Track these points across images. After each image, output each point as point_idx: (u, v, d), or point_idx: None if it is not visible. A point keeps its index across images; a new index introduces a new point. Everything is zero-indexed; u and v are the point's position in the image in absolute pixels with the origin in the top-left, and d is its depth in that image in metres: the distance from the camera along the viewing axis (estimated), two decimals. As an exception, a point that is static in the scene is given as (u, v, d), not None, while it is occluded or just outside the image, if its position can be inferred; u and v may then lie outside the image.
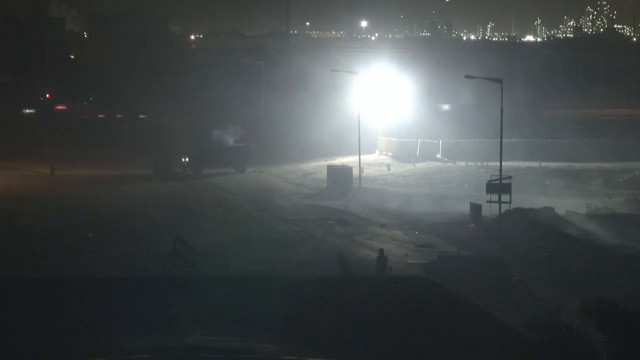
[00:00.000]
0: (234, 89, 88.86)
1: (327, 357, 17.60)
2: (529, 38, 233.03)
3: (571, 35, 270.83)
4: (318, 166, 72.75)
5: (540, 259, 38.61)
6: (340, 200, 57.28)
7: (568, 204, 52.75)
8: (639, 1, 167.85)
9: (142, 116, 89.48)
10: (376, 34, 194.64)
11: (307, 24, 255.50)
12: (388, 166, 74.73)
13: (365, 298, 21.28)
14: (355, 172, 64.06)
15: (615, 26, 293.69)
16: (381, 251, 37.42)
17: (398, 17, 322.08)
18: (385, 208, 54.75)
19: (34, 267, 36.68)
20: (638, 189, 61.41)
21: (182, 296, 21.12)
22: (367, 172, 69.06)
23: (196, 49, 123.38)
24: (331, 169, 64.55)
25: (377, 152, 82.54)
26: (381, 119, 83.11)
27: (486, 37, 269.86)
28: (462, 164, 74.80)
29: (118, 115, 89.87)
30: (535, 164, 71.59)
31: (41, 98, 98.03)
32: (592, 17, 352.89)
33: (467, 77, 54.07)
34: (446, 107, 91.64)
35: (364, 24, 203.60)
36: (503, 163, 48.39)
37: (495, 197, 46.33)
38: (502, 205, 45.93)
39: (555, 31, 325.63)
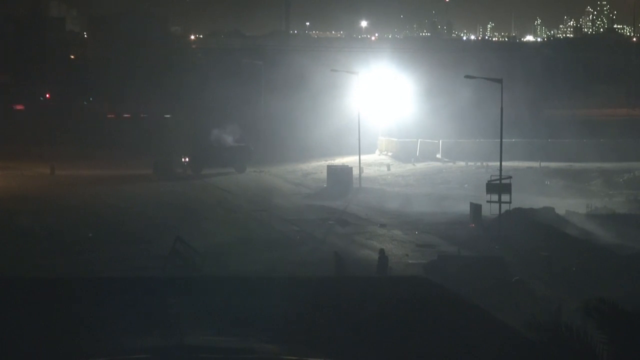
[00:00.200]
0: (234, 89, 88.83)
1: (327, 357, 17.59)
2: (529, 38, 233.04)
3: (571, 35, 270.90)
4: (318, 166, 72.76)
5: (540, 259, 38.61)
6: (340, 200, 57.28)
7: (568, 204, 52.75)
8: (639, 1, 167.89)
9: (143, 115, 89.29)
10: (376, 34, 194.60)
11: (307, 24, 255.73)
12: (388, 166, 74.73)
13: (365, 298, 21.29)
14: (355, 172, 64.07)
15: (615, 26, 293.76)
16: (382, 251, 37.40)
17: (398, 17, 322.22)
18: (385, 208, 54.75)
19: (34, 267, 36.67)
20: (638, 189, 61.42)
21: (182, 296, 21.12)
22: (367, 172, 69.06)
23: (196, 49, 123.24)
24: (331, 169, 64.56)
25: (377, 152, 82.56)
26: (381, 119, 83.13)
27: (486, 37, 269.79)
28: (462, 164, 74.82)
29: (142, 115, 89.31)
30: (535, 164, 71.60)
31: (41, 98, 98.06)
32: (592, 17, 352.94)
33: (467, 77, 54.07)
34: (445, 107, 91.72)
35: (364, 24, 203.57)
36: (503, 163, 48.39)
37: (495, 197, 46.32)
38: (502, 205, 45.92)
39: (555, 31, 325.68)
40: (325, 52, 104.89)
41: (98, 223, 47.49)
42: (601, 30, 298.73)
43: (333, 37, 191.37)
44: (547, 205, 50.25)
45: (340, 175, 62.69)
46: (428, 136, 79.85)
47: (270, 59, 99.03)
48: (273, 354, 17.66)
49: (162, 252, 37.93)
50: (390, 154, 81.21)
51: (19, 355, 17.70)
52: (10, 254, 39.73)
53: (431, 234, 46.09)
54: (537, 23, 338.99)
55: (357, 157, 65.92)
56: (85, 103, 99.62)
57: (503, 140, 48.35)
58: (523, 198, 50.75)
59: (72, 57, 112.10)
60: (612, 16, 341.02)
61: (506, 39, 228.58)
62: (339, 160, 74.17)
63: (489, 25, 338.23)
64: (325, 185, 63.06)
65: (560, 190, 60.69)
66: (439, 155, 78.27)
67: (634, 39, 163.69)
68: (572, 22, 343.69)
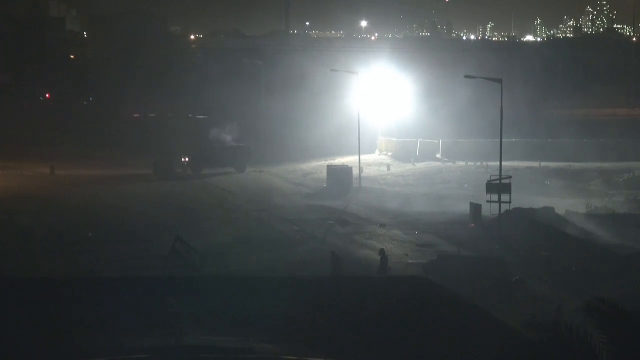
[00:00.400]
0: (234, 89, 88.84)
1: (327, 357, 17.60)
2: (529, 38, 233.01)
3: (571, 35, 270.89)
4: (318, 166, 72.75)
5: (540, 259, 38.62)
6: (340, 200, 57.27)
7: (568, 204, 52.74)
8: (639, 1, 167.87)
9: (152, 115, 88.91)
10: (376, 34, 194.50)
11: (307, 24, 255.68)
12: (388, 166, 74.73)
13: (365, 298, 21.30)
14: (355, 172, 64.07)
15: (615, 26, 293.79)
16: (382, 251, 37.38)
17: (398, 17, 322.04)
18: (385, 208, 54.75)
19: (34, 267, 36.67)
20: (638, 189, 61.40)
21: (182, 296, 21.13)
22: (367, 172, 69.06)
23: (196, 49, 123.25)
24: (331, 169, 64.57)
25: (377, 152, 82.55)
26: (381, 119, 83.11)
27: (486, 37, 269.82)
28: (462, 164, 74.82)
29: (151, 115, 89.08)
30: (535, 164, 71.59)
31: (41, 98, 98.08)
32: (592, 17, 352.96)
33: (467, 77, 54.04)
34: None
35: (364, 24, 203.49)
36: (503, 163, 48.39)
37: (495, 197, 46.32)
38: (502, 205, 45.92)
39: (555, 31, 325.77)
40: (325, 52, 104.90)
41: (98, 223, 47.47)
42: (601, 30, 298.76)
43: (333, 37, 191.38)
44: (547, 205, 50.25)
45: (340, 175, 62.71)
46: (428, 136, 79.85)
47: (270, 59, 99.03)
48: (273, 354, 17.67)
49: (162, 252, 37.94)
50: (390, 154, 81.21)
51: (19, 355, 17.71)
52: (10, 254, 39.72)
53: (431, 234, 46.08)
54: (537, 23, 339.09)
55: (357, 157, 65.91)
56: (85, 103, 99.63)
57: (503, 140, 48.34)
58: (523, 198, 50.75)
59: (72, 57, 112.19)
60: (612, 16, 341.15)
61: (506, 39, 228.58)
62: (339, 160, 74.16)
63: (489, 25, 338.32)
64: (325, 185, 63.07)
65: (560, 190, 60.68)
66: (438, 155, 78.27)
67: (634, 39, 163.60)
68: (572, 22, 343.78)
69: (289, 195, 59.43)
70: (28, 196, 56.83)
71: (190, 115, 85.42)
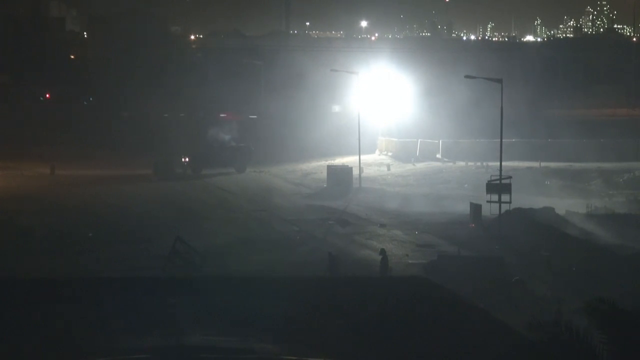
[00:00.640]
0: (234, 89, 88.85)
1: (327, 357, 17.61)
2: (529, 38, 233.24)
3: (571, 35, 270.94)
4: (318, 166, 72.73)
5: (540, 259, 38.61)
6: (340, 200, 57.27)
7: (568, 204, 52.71)
8: (639, 1, 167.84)
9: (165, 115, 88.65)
10: (376, 34, 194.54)
11: (307, 24, 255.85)
12: (388, 166, 74.72)
13: (365, 298, 21.30)
14: (355, 172, 64.06)
15: (615, 26, 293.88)
16: (383, 251, 37.36)
17: (398, 17, 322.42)
18: (385, 208, 54.73)
19: (34, 267, 36.66)
20: (638, 189, 61.38)
21: (182, 296, 21.13)
22: (367, 172, 69.04)
23: (196, 49, 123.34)
24: (331, 169, 64.56)
25: (377, 152, 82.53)
26: (381, 119, 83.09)
27: (486, 37, 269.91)
28: (462, 164, 74.79)
29: (165, 115, 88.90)
30: (535, 164, 71.56)
31: (41, 98, 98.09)
32: (592, 17, 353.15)
33: (467, 77, 54.01)
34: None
35: (363, 24, 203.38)
36: (503, 163, 48.37)
37: (495, 197, 46.31)
38: (502, 205, 45.91)
39: (555, 31, 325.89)
40: (325, 52, 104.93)
41: (98, 223, 47.45)
42: (601, 30, 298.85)
43: (333, 37, 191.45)
44: (547, 205, 50.22)
45: (340, 175, 62.70)
46: (428, 136, 79.82)
47: (270, 59, 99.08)
48: (273, 354, 17.68)
49: (162, 252, 37.95)
50: (390, 154, 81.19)
51: (19, 355, 17.71)
52: (10, 254, 39.72)
53: (431, 234, 46.07)
54: (537, 23, 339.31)
55: (357, 157, 65.89)
56: (85, 103, 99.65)
57: (503, 140, 48.32)
58: (523, 198, 50.72)
59: (72, 57, 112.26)
60: (612, 16, 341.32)
61: (506, 39, 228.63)
62: (339, 160, 74.13)
63: (489, 25, 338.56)
64: (325, 185, 63.06)
65: (560, 190, 60.65)
66: (438, 155, 78.24)
67: (634, 39, 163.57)
68: (572, 22, 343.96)
69: (288, 196, 59.41)
70: (28, 196, 56.82)
71: (189, 116, 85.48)
